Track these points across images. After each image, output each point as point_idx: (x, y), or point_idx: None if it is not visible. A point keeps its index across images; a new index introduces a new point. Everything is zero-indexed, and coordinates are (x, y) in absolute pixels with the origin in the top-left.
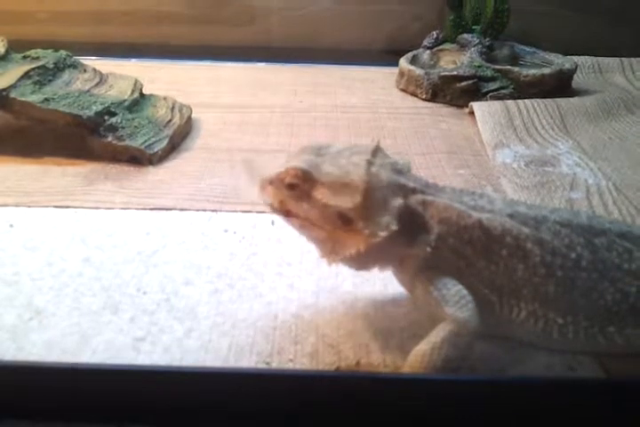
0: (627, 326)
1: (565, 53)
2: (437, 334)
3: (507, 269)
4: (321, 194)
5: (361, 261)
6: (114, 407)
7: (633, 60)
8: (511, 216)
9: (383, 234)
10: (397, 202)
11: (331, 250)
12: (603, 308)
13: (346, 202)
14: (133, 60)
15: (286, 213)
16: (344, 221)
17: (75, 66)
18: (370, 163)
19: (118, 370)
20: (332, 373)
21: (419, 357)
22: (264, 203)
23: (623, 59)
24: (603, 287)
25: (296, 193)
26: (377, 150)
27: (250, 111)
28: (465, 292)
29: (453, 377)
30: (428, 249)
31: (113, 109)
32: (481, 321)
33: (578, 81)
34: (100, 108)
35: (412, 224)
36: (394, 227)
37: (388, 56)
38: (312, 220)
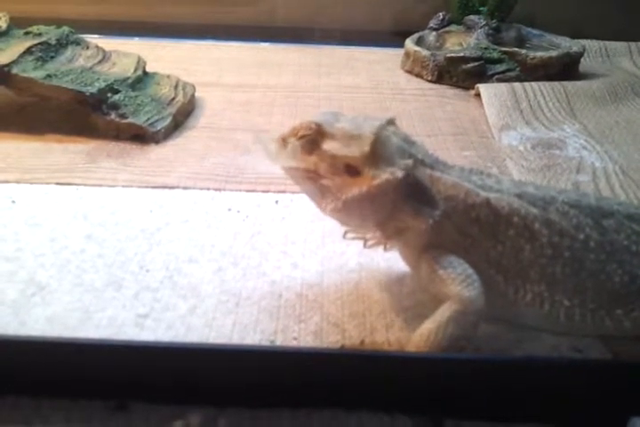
0: (635, 309)
1: (572, 37)
2: (443, 313)
3: (513, 250)
4: (330, 146)
5: (359, 210)
6: (116, 384)
7: None
8: (519, 196)
9: (386, 177)
10: (405, 162)
11: (332, 197)
12: (610, 290)
13: (353, 152)
14: (137, 38)
15: (296, 169)
16: (351, 172)
17: (77, 42)
18: (383, 126)
19: (121, 346)
20: (337, 350)
21: (424, 336)
22: (279, 163)
23: (631, 43)
24: (611, 269)
25: (308, 146)
26: (391, 121)
27: (253, 91)
28: (471, 271)
29: (458, 356)
30: (431, 221)
31: (116, 87)
32: (486, 302)
33: (585, 65)
34: (102, 85)
35: (417, 196)
36: (399, 174)
37: (393, 37)
38: (320, 172)
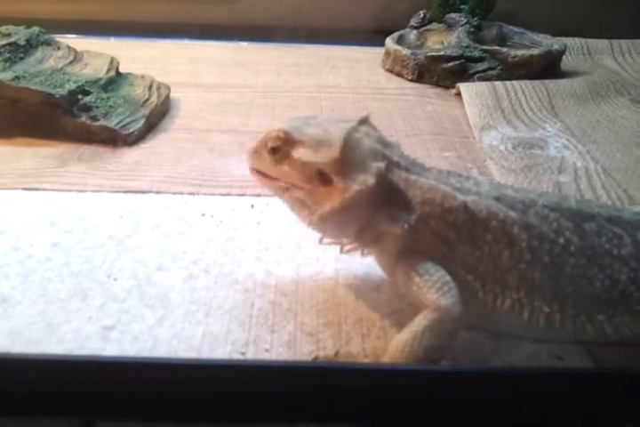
0: (616, 314)
1: (554, 35)
2: (419, 323)
3: (491, 255)
4: (300, 153)
5: (336, 223)
6: (80, 400)
7: (623, 42)
8: (498, 199)
9: (357, 188)
10: (378, 165)
11: (309, 211)
12: (591, 295)
13: (323, 158)
14: (113, 38)
15: (268, 178)
16: (322, 179)
17: (48, 43)
18: (354, 128)
19: (84, 361)
20: (309, 363)
21: (399, 346)
22: (250, 171)
23: (613, 41)
24: (591, 274)
25: (278, 156)
26: (365, 121)
27: (231, 91)
28: (448, 278)
29: (434, 368)
30: (406, 226)
31: (87, 88)
32: (465, 309)
33: (567, 63)
34: (73, 86)
35: (392, 201)
36: (370, 182)
37: (373, 36)
38: (293, 181)
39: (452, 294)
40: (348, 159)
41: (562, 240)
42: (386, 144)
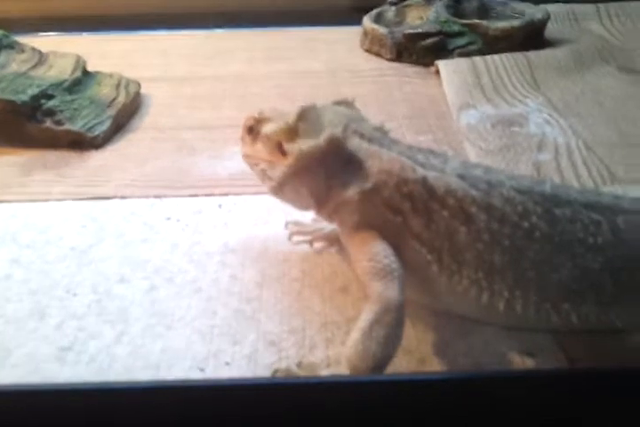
0: (584, 303)
1: (538, 2)
2: (365, 318)
3: (448, 231)
4: (266, 128)
5: (292, 189)
6: None
7: (610, 5)
8: (462, 177)
9: (304, 150)
10: (330, 132)
11: (269, 180)
12: (558, 284)
13: (279, 127)
14: (85, 33)
15: (251, 159)
16: (281, 149)
17: (12, 46)
18: (323, 104)
19: (24, 391)
20: (268, 380)
21: (352, 347)
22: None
23: (600, 5)
24: (559, 262)
25: (253, 135)
26: (342, 102)
27: (202, 83)
28: (395, 266)
29: (391, 377)
30: (359, 192)
31: (50, 92)
32: (420, 288)
33: (551, 31)
34: (36, 91)
35: (349, 169)
36: (318, 144)
37: (353, 14)
38: (263, 157)
39: (396, 282)
40: (302, 128)
41: (526, 224)
42: (355, 119)
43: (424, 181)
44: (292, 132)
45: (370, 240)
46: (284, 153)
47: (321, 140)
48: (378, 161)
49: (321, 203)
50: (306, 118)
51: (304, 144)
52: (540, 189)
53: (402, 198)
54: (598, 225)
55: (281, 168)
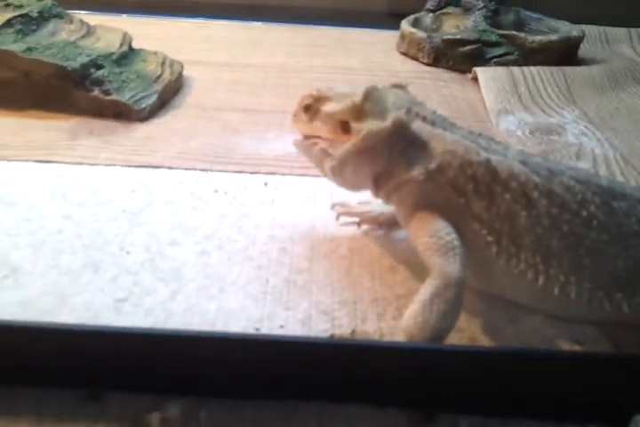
0: (636, 295)
1: (571, 22)
2: (425, 291)
3: (508, 214)
4: (327, 107)
5: (352, 168)
6: (90, 371)
7: None
8: (523, 163)
9: (370, 129)
10: (396, 114)
11: (329, 158)
12: (611, 272)
13: (345, 106)
14: (124, 15)
15: (304, 138)
16: (344, 128)
17: (61, 16)
18: (384, 86)
19: (96, 331)
20: (326, 340)
21: (411, 318)
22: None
23: (631, 29)
24: (614, 251)
25: (310, 113)
26: (398, 86)
27: (243, 70)
28: (457, 243)
29: (452, 348)
30: (424, 172)
31: (100, 62)
32: (478, 270)
33: (584, 50)
34: (86, 59)
35: (413, 149)
36: (384, 126)
37: (388, 19)
38: (322, 135)
39: (458, 259)
40: (368, 108)
41: (584, 213)
42: (416, 103)
43: (487, 164)
44: (359, 112)
45: (431, 218)
46: (346, 132)
47: (388, 121)
48: (442, 143)
49: (380, 183)
50: (371, 99)
51: (371, 124)
52: (596, 180)
53: (465, 180)
54: None
55: (344, 146)
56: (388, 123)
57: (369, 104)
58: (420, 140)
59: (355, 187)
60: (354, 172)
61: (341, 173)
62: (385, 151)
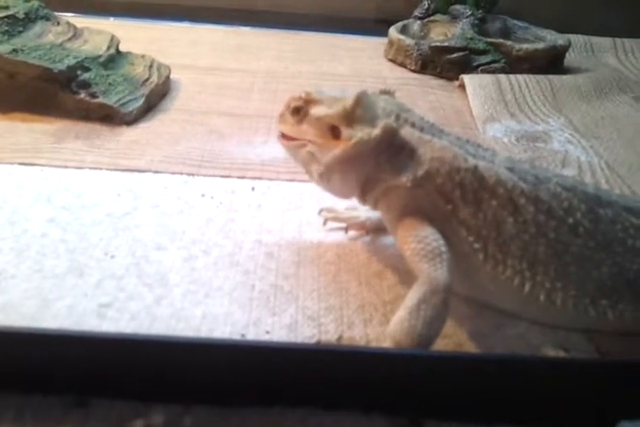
0: (621, 302)
1: (557, 31)
2: (412, 297)
3: (495, 221)
4: (317, 110)
5: (340, 174)
6: (74, 378)
7: (626, 40)
8: (511, 170)
9: (360, 137)
10: (386, 121)
11: (317, 164)
12: (596, 279)
13: (334, 111)
14: (112, 18)
15: (290, 139)
16: (334, 133)
17: (47, 17)
18: (374, 93)
19: (79, 337)
20: (312, 346)
21: (398, 324)
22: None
23: (616, 39)
24: (599, 258)
25: (299, 116)
26: (386, 92)
27: (231, 75)
28: (444, 249)
29: (437, 353)
30: (411, 179)
31: (87, 64)
32: (464, 276)
33: (570, 59)
34: (72, 62)
35: (401, 156)
36: (374, 133)
37: (376, 26)
38: (310, 138)
39: (444, 265)
40: (358, 114)
41: (571, 220)
42: (405, 109)
43: (475, 171)
44: (349, 117)
45: (419, 224)
46: (335, 137)
47: (378, 128)
48: (430, 149)
49: (367, 188)
50: (362, 104)
51: (361, 131)
52: (583, 188)
53: (453, 186)
54: (638, 229)
55: (332, 151)
56: (378, 131)
57: (359, 110)
58: (408, 146)
59: (342, 193)
60: (342, 178)
61: (329, 179)
62: (372, 157)
